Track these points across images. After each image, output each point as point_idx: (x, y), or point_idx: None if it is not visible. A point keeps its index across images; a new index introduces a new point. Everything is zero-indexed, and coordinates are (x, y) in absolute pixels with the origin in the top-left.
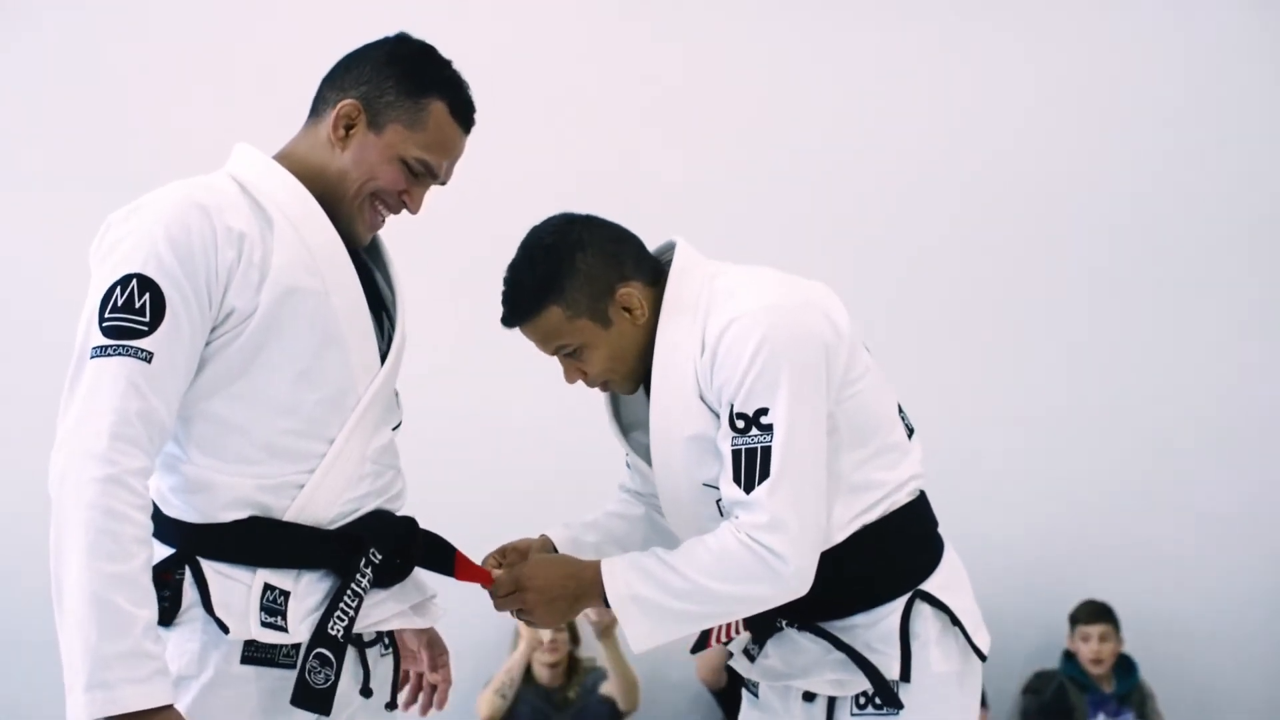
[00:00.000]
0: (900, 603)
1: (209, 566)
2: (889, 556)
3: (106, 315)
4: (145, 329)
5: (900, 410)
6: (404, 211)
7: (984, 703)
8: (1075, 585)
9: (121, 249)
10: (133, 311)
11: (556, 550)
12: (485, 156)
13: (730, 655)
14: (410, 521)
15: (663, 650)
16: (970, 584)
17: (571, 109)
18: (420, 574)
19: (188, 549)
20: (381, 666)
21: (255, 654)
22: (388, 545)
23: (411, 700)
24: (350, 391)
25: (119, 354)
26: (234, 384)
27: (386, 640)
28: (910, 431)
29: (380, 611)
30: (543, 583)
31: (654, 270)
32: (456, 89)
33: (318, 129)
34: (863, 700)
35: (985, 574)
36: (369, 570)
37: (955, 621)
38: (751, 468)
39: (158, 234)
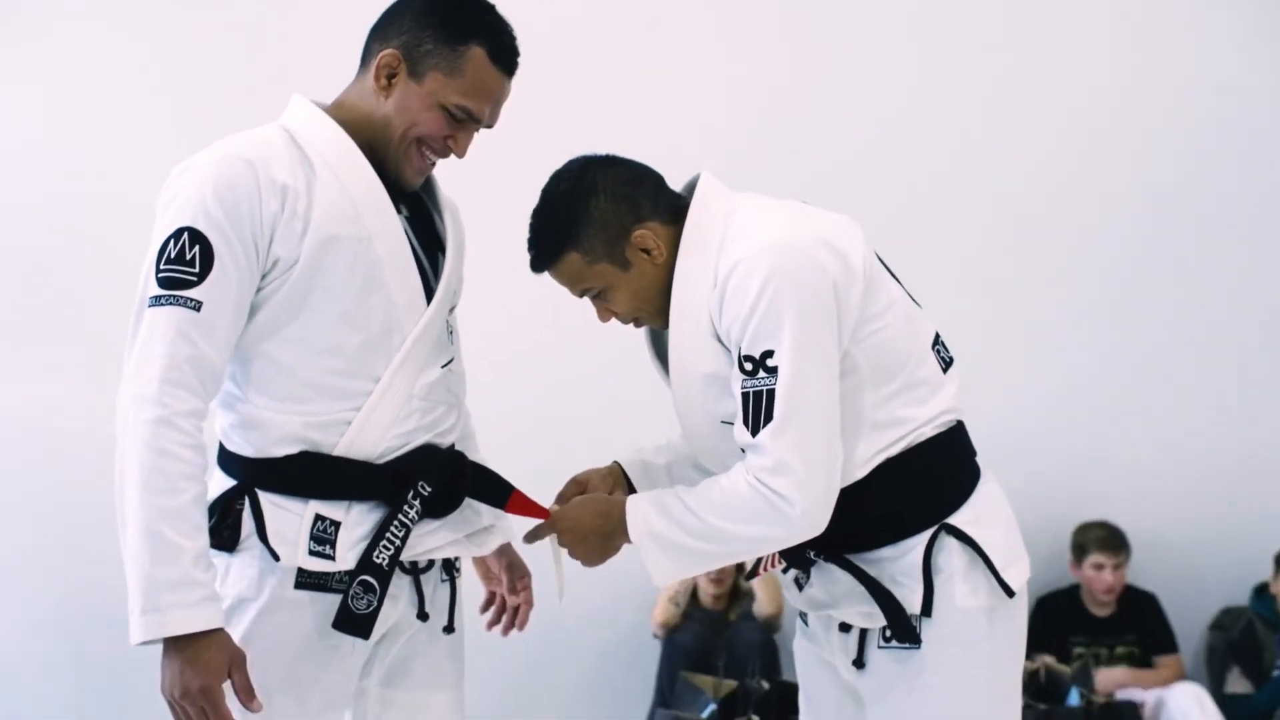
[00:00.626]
0: (925, 536)
1: (266, 498)
2: (914, 489)
3: (161, 267)
4: (195, 279)
5: (938, 341)
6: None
7: (1173, 645)
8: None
9: (175, 204)
10: (184, 263)
11: (628, 477)
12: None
13: None
14: (458, 455)
15: None
16: (1011, 519)
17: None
18: (477, 505)
19: (247, 481)
20: (441, 592)
21: (308, 580)
22: (436, 478)
23: (495, 620)
24: (395, 332)
25: (171, 303)
26: (284, 328)
27: (445, 568)
28: (947, 364)
29: (433, 540)
30: (574, 522)
31: (673, 208)
32: (497, 34)
33: (365, 78)
34: (889, 633)
35: (1181, 510)
36: (416, 502)
37: (983, 556)
38: (758, 410)
39: (206, 189)
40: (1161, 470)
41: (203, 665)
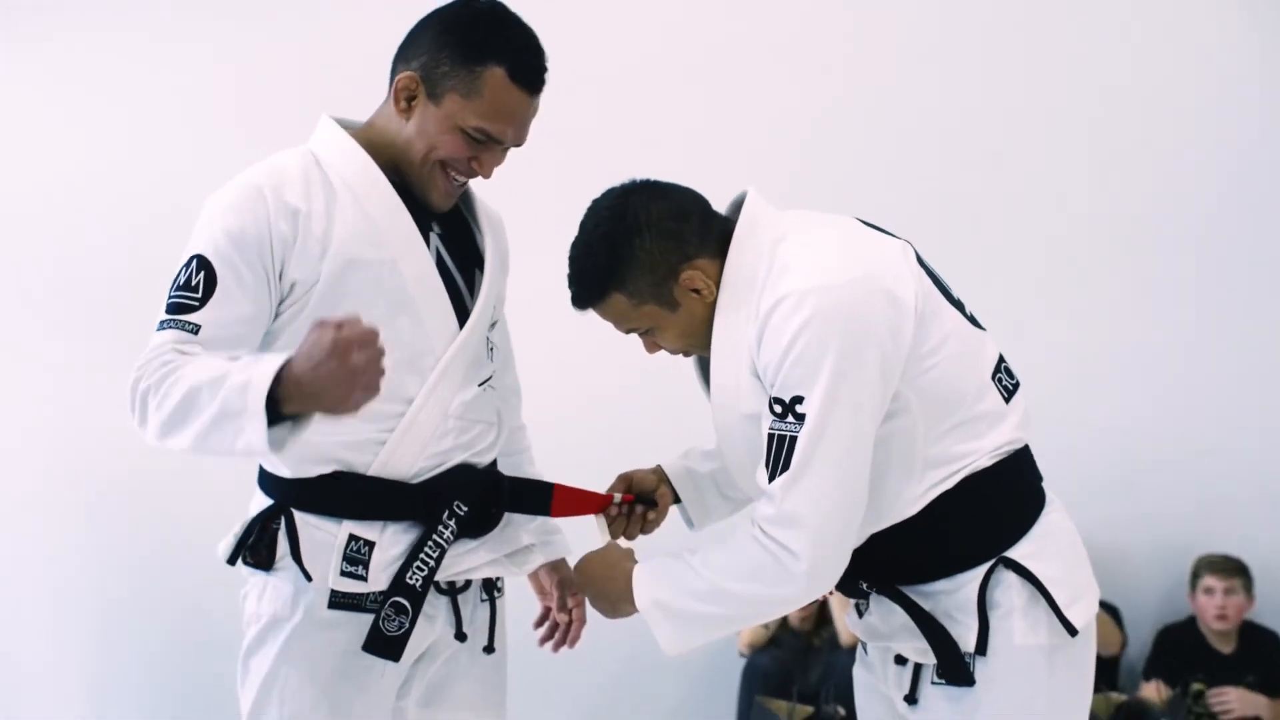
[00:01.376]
0: (981, 570)
1: (301, 518)
2: (969, 521)
3: (172, 293)
4: (196, 304)
5: (1000, 368)
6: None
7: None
8: None
9: (194, 232)
10: (189, 289)
11: (669, 480)
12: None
13: None
14: (495, 473)
15: None
16: (1078, 551)
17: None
18: (519, 523)
19: (283, 501)
20: (480, 612)
21: (342, 600)
22: (472, 497)
23: (547, 637)
24: (427, 354)
25: (170, 326)
26: None
27: (485, 587)
28: (1010, 392)
29: (470, 560)
30: (588, 578)
31: (721, 238)
32: (516, 52)
33: (389, 100)
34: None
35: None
36: (452, 522)
37: (1044, 591)
38: (779, 456)
39: (217, 219)
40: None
41: (316, 366)
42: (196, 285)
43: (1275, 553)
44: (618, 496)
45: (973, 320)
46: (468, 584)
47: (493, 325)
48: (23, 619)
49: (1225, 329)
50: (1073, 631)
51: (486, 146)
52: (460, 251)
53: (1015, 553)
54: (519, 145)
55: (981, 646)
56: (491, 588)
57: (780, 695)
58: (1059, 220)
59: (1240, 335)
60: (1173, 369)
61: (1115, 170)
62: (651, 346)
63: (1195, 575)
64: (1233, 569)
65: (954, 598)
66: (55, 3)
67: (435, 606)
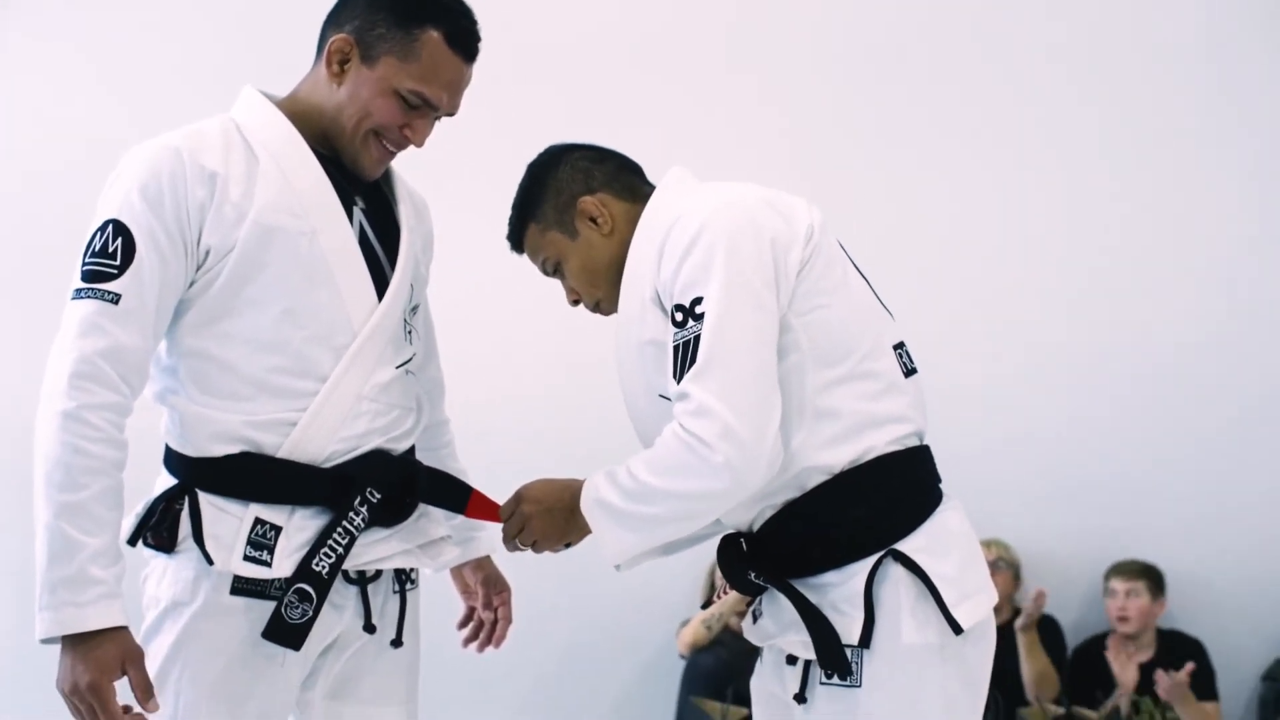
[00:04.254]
0: (870, 562)
1: (206, 499)
2: (860, 506)
3: (87, 260)
4: (115, 271)
5: (900, 347)
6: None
7: (1213, 693)
8: None
9: (106, 196)
10: (106, 255)
11: None
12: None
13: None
14: (411, 461)
15: None
16: (973, 549)
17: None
18: (435, 514)
19: (187, 481)
20: (391, 604)
21: (245, 586)
22: (386, 484)
23: (471, 637)
24: (344, 329)
25: (89, 296)
26: (220, 322)
27: (397, 579)
28: (909, 372)
29: (381, 549)
30: (539, 493)
31: (634, 190)
32: (454, 16)
33: (319, 68)
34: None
35: (1231, 554)
36: (364, 509)
37: (931, 588)
38: (685, 357)
39: (132, 180)
40: (1210, 512)
41: (93, 661)
42: (114, 252)
43: (1200, 564)
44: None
45: (880, 302)
46: (378, 574)
47: (414, 310)
48: None
49: (1157, 339)
50: (958, 630)
51: (420, 112)
52: (383, 228)
53: (906, 545)
54: (452, 114)
55: (866, 639)
56: (404, 579)
57: (718, 697)
58: (989, 229)
59: (1171, 347)
60: (1096, 377)
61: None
62: (569, 292)
63: (1105, 580)
64: (1136, 571)
65: (841, 590)
66: None
67: (344, 596)
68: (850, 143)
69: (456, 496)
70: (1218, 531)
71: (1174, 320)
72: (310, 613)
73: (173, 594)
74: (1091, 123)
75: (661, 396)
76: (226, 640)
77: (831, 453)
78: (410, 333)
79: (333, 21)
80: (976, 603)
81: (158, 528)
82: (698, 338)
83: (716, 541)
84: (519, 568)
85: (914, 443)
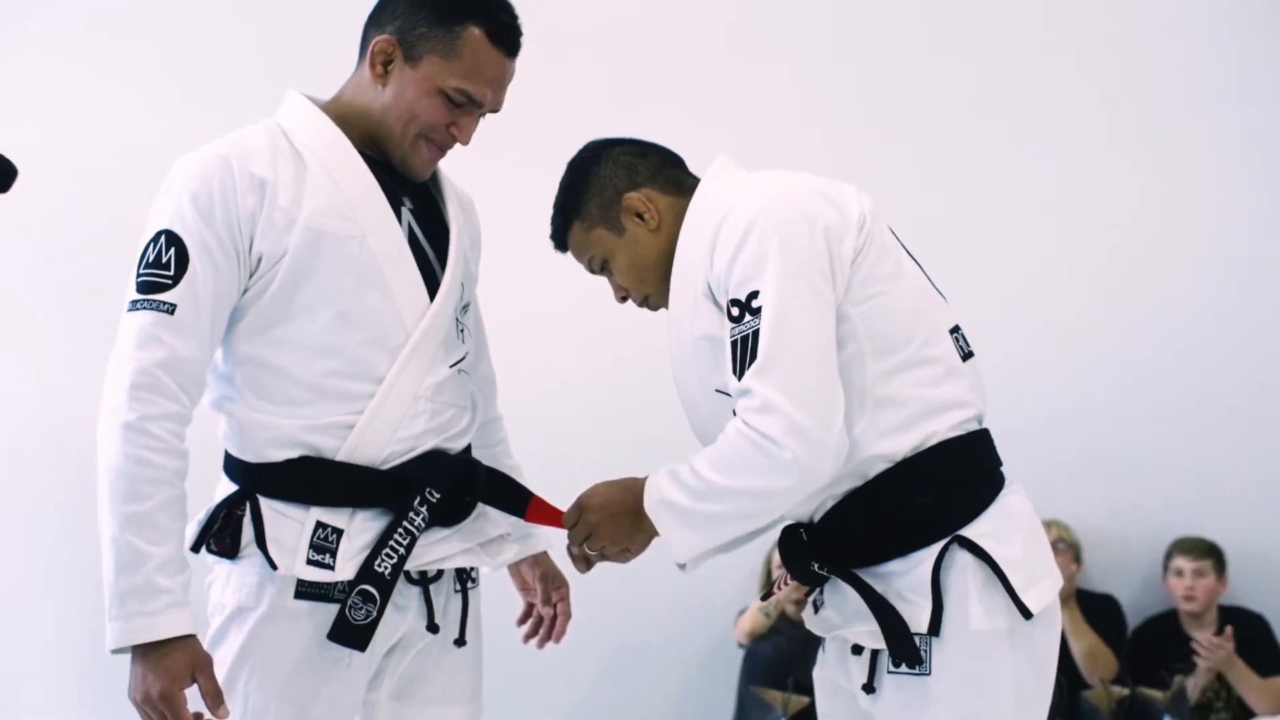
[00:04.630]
0: (935, 549)
1: (267, 505)
2: (924, 494)
3: (141, 271)
4: (170, 282)
5: (956, 330)
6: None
7: (1279, 668)
8: None
9: (157, 207)
10: (160, 266)
11: None
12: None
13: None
14: (471, 461)
15: None
16: (1038, 533)
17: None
18: (493, 513)
19: (248, 486)
20: (453, 604)
21: (309, 590)
22: (444, 484)
23: (531, 634)
24: (398, 331)
25: (145, 307)
26: (275, 328)
27: (459, 578)
28: (966, 355)
29: (442, 549)
30: (602, 500)
31: (679, 183)
32: (494, 12)
33: (362, 69)
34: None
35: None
36: (424, 509)
37: (999, 573)
38: (745, 354)
39: (183, 190)
40: (1266, 481)
41: (163, 670)
42: (168, 262)
43: (1259, 539)
44: None
45: (934, 286)
46: (440, 574)
47: (465, 308)
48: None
49: (1219, 331)
50: (1027, 615)
51: (465, 110)
52: (432, 228)
53: (971, 531)
54: (496, 110)
55: (935, 627)
56: (465, 578)
57: (778, 686)
58: (1045, 218)
59: (1233, 337)
60: (1158, 354)
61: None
62: (616, 290)
63: (1167, 558)
64: (1203, 550)
65: (907, 578)
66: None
67: (406, 597)
68: (884, 127)
69: (516, 500)
70: (1275, 503)
71: (1217, 288)
72: (375, 613)
73: (238, 599)
74: (1131, 97)
75: (718, 391)
76: (292, 644)
77: (893, 440)
78: (463, 331)
79: (374, 22)
80: (1043, 587)
81: (220, 534)
82: (756, 332)
83: (773, 533)
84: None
85: (974, 426)
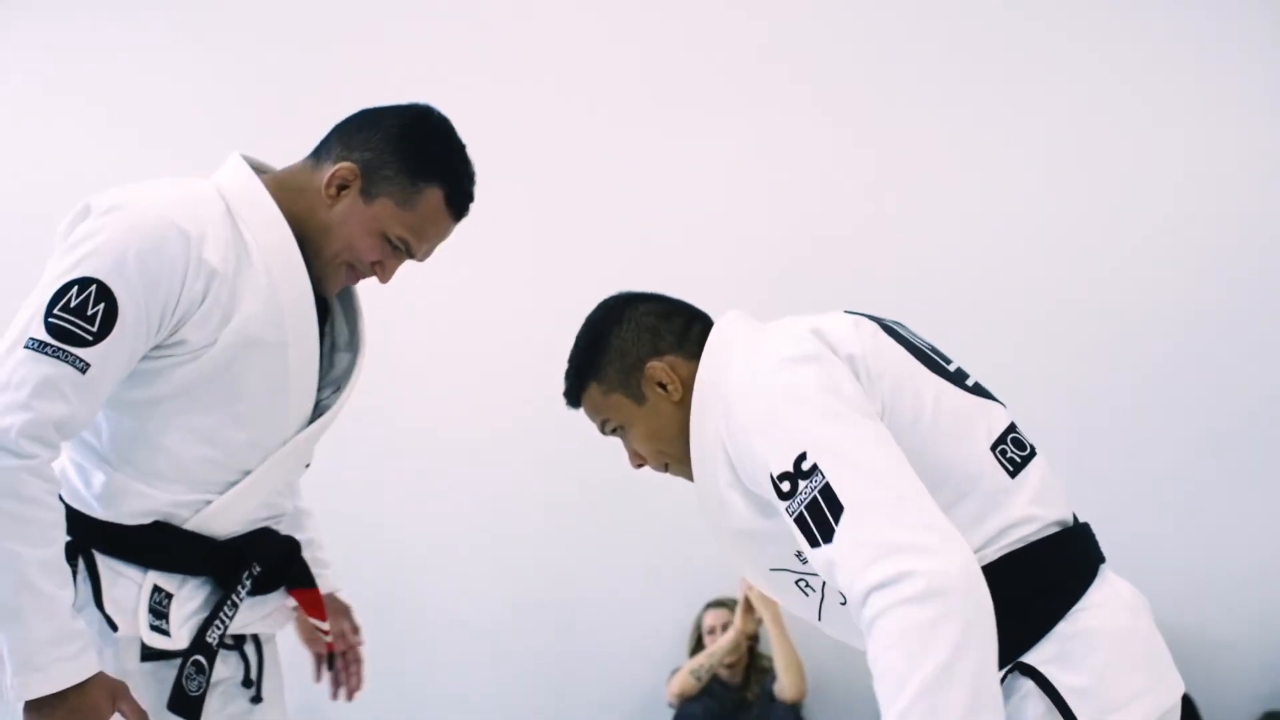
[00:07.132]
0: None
1: (104, 562)
2: None
3: (55, 312)
4: (90, 339)
5: (1004, 439)
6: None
7: None
8: None
9: (90, 245)
10: (83, 318)
11: None
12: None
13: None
14: (292, 542)
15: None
16: (1130, 647)
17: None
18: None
19: (85, 542)
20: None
21: (153, 652)
22: (268, 561)
23: (337, 682)
24: (279, 435)
25: (55, 356)
26: (167, 405)
27: (253, 639)
28: (1019, 464)
29: (247, 616)
30: None
31: (700, 345)
32: (458, 179)
33: (317, 174)
34: None
35: (1222, 607)
36: (249, 582)
37: (1060, 704)
38: (817, 520)
39: (131, 247)
40: (1201, 564)
41: (89, 709)
42: (93, 317)
43: (1185, 613)
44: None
45: (979, 390)
46: (237, 639)
47: None
48: None
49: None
50: None
51: (398, 255)
52: (334, 335)
53: (1032, 657)
54: (421, 261)
55: None
56: (258, 640)
57: None
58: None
59: (1168, 414)
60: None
61: None
62: (631, 456)
63: None
64: None
65: None
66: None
67: (221, 658)
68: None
69: (307, 583)
70: (1205, 583)
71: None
72: (205, 684)
73: None
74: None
75: (773, 570)
76: (144, 703)
77: None
78: None
79: (344, 139)
80: (1129, 713)
81: None
82: (826, 486)
83: (704, 591)
84: (514, 612)
85: (1036, 536)
